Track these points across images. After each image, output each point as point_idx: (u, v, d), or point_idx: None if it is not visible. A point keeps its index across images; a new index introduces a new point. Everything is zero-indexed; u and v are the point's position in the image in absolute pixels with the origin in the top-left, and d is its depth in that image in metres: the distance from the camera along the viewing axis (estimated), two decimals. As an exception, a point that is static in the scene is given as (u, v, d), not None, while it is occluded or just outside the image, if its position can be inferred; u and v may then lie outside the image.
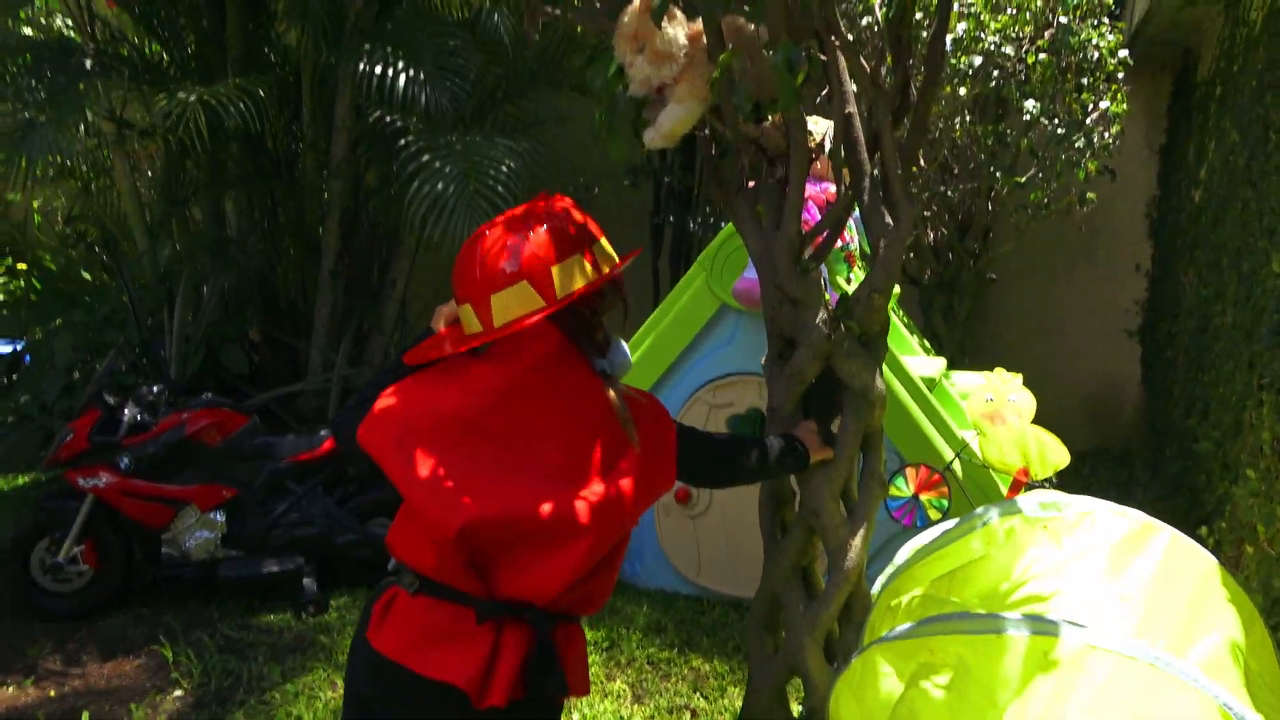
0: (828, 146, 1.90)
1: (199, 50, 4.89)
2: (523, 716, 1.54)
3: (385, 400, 1.54)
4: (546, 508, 1.48)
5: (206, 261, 4.58)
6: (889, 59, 1.85)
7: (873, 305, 1.88)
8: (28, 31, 5.26)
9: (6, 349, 5.11)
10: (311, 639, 3.43)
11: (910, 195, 1.85)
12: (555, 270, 1.53)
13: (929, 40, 1.90)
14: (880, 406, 1.93)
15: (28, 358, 4.89)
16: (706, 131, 2.01)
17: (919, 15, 4.10)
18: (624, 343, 1.64)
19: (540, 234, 1.54)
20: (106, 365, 3.66)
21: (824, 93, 1.94)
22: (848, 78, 1.81)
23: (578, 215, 1.60)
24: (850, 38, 1.70)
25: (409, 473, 1.49)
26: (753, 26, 1.74)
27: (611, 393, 1.56)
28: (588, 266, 1.55)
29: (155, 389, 3.61)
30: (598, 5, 1.89)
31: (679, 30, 1.72)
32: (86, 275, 5.67)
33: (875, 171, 1.89)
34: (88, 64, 4.37)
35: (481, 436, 1.52)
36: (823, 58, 1.69)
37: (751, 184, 1.92)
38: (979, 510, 2.05)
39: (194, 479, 3.54)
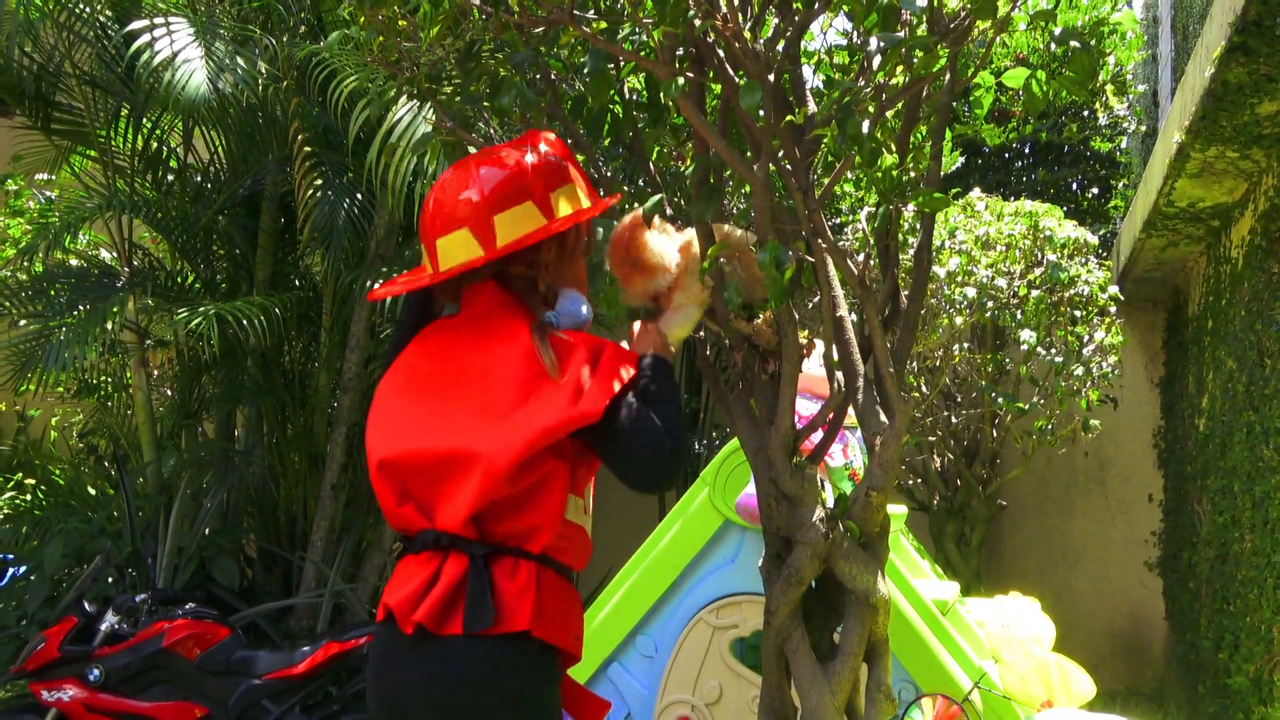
0: (819, 345, 1.94)
1: (230, 273, 5.16)
2: (467, 655, 1.54)
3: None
4: (453, 443, 1.57)
5: (209, 472, 4.58)
6: (876, 264, 1.92)
7: (870, 504, 1.83)
8: (74, 262, 5.60)
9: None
10: None
11: (904, 393, 1.85)
12: (496, 219, 1.59)
13: (915, 250, 1.98)
14: (884, 613, 1.84)
15: (22, 568, 4.79)
16: (701, 334, 2.06)
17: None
18: (580, 296, 1.68)
19: (492, 180, 1.61)
20: (90, 572, 3.58)
21: (816, 299, 2.00)
22: (836, 281, 1.87)
23: (548, 158, 1.65)
24: (842, 244, 1.77)
25: (369, 424, 1.69)
26: (740, 232, 1.82)
27: (535, 334, 1.59)
28: (537, 213, 1.61)
29: (138, 598, 3.50)
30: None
31: (668, 242, 1.77)
32: (91, 490, 5.69)
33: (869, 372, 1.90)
34: (119, 283, 4.60)
35: (418, 384, 1.65)
36: (810, 260, 1.75)
37: (745, 382, 1.93)
38: (995, 730, 1.91)
39: (166, 695, 3.35)
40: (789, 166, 1.73)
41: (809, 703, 1.81)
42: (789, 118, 1.56)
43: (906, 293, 1.96)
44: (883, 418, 1.84)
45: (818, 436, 2.01)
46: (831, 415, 1.98)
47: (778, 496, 1.85)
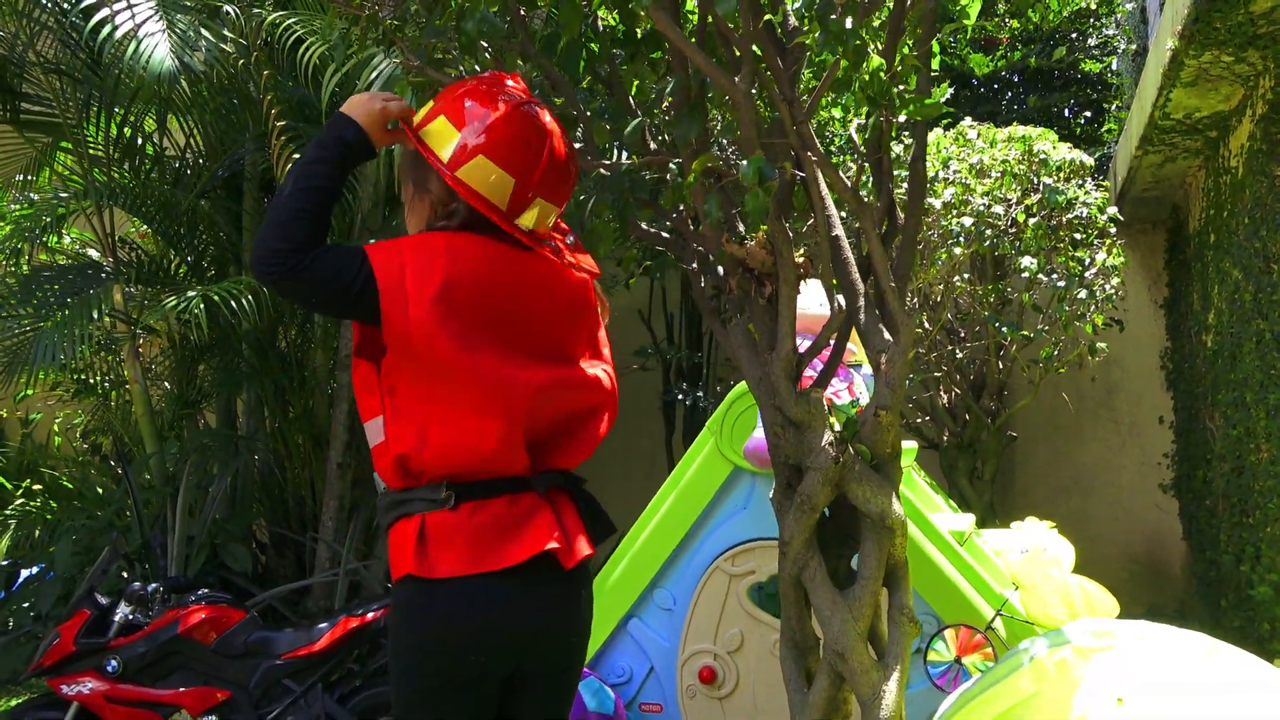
0: (815, 282, 1.87)
1: (216, 258, 5.09)
2: (585, 576, 1.65)
3: (429, 241, 1.59)
4: (585, 377, 1.63)
5: (212, 459, 4.55)
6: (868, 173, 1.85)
7: (880, 424, 1.78)
8: (63, 261, 5.53)
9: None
10: None
11: (907, 310, 1.79)
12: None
13: (910, 161, 1.91)
14: (901, 533, 1.79)
15: (35, 569, 4.78)
16: (695, 265, 2.00)
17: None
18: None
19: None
20: (100, 564, 3.54)
21: (810, 222, 1.94)
22: (830, 200, 1.80)
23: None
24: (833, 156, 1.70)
25: (454, 329, 1.50)
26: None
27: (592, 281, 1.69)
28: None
29: (150, 587, 3.47)
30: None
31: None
32: (99, 489, 5.67)
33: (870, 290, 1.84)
34: (104, 275, 4.54)
35: (520, 308, 1.58)
36: (800, 175, 1.69)
37: (742, 309, 1.87)
38: (1024, 644, 1.87)
39: (185, 681, 3.32)
40: (774, 81, 1.66)
41: (831, 630, 1.77)
42: (767, 17, 1.48)
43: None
44: (887, 335, 1.78)
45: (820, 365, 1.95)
46: (834, 339, 1.92)
47: (784, 423, 1.80)
